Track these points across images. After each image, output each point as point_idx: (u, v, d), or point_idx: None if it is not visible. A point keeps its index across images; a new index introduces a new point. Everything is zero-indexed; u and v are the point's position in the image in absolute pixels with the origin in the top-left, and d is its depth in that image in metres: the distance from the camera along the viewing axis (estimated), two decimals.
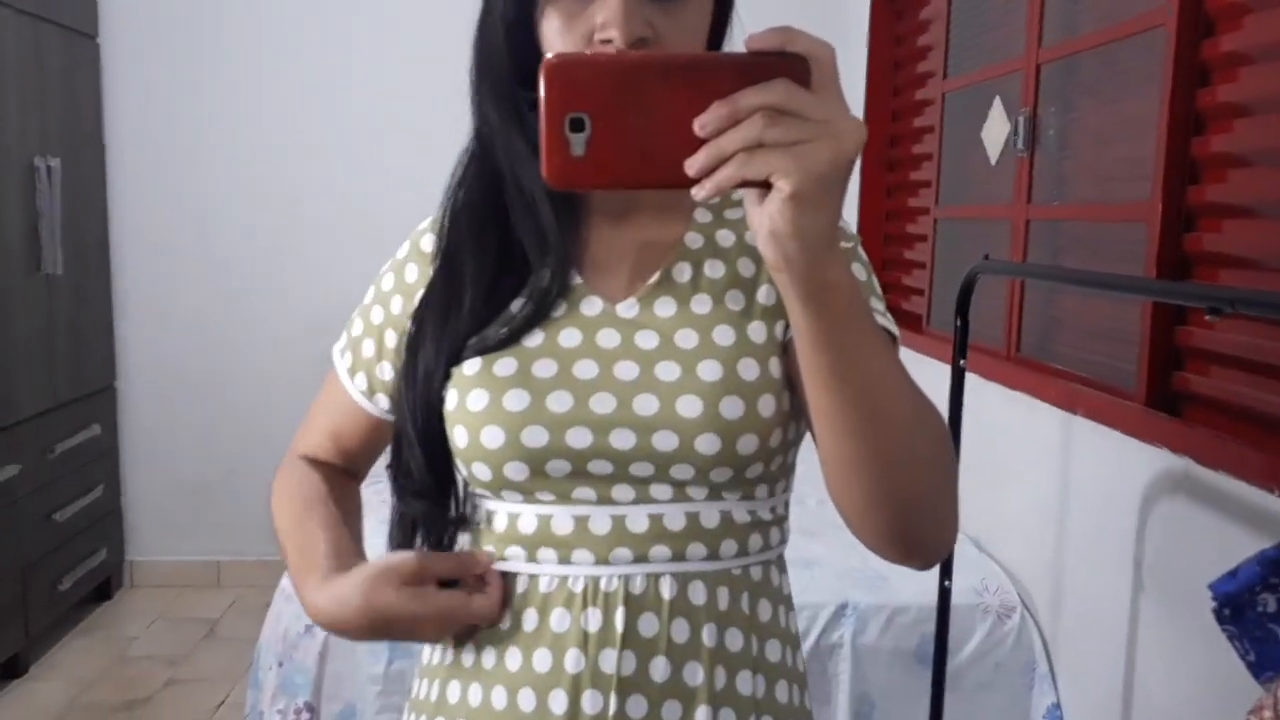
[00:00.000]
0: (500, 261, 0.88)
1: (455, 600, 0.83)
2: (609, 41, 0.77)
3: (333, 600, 0.85)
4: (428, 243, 0.93)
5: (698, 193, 0.61)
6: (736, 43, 0.80)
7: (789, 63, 0.61)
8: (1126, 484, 1.86)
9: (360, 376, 0.96)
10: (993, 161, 2.60)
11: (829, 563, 2.25)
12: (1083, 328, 2.21)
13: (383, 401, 0.96)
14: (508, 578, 0.87)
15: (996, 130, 2.57)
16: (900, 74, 3.34)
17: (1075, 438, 2.07)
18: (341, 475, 1.01)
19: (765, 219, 0.61)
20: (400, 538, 0.92)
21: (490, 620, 0.85)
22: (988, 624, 2.18)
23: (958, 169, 2.86)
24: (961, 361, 1.96)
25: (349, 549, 0.90)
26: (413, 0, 3.65)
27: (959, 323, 1.95)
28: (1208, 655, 1.59)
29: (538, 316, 0.86)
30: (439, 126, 3.19)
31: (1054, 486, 2.14)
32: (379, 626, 0.83)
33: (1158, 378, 1.89)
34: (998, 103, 2.57)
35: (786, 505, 0.92)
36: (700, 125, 0.60)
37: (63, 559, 3.29)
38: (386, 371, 0.95)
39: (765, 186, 0.60)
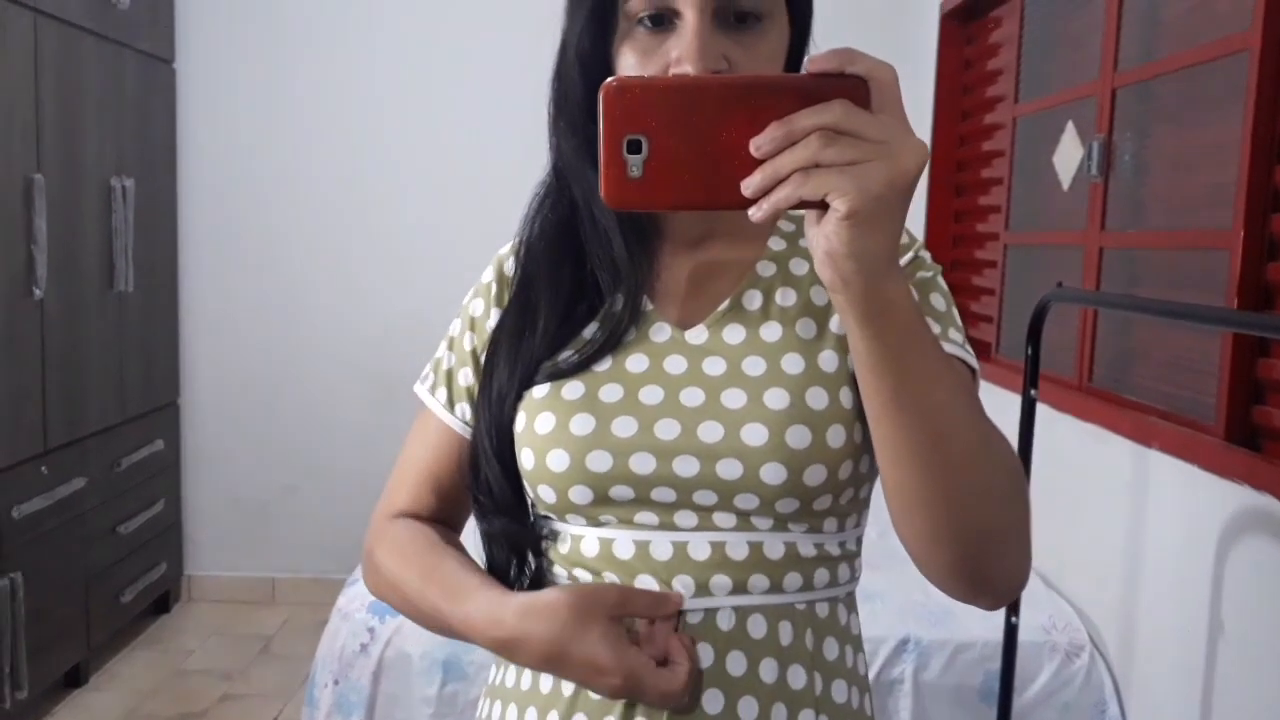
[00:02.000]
0: (574, 290, 0.89)
1: (646, 666, 0.77)
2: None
3: (523, 615, 0.80)
4: (510, 267, 0.94)
5: (754, 213, 0.60)
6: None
7: (848, 84, 0.60)
8: (1204, 521, 1.79)
9: (462, 406, 0.94)
10: (1065, 187, 2.55)
11: (891, 596, 2.19)
12: (1158, 359, 2.15)
13: None
14: None
15: (1069, 155, 2.52)
16: (969, 98, 3.30)
17: (1150, 472, 2.00)
18: (447, 530, 0.96)
19: (822, 239, 0.60)
20: (497, 560, 0.90)
21: (668, 704, 0.78)
22: (1055, 663, 2.10)
23: (1028, 194, 2.81)
24: (1033, 391, 1.91)
25: (486, 575, 0.87)
26: (487, 34, 3.69)
27: (1030, 352, 1.90)
28: None
29: (610, 343, 0.86)
30: (505, 158, 3.23)
31: (1126, 522, 2.07)
32: (560, 660, 0.79)
33: (1237, 411, 1.82)
34: (1070, 127, 2.51)
35: (859, 542, 0.89)
36: (757, 146, 0.60)
37: (125, 571, 3.35)
38: None
39: (822, 207, 0.60)
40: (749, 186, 0.60)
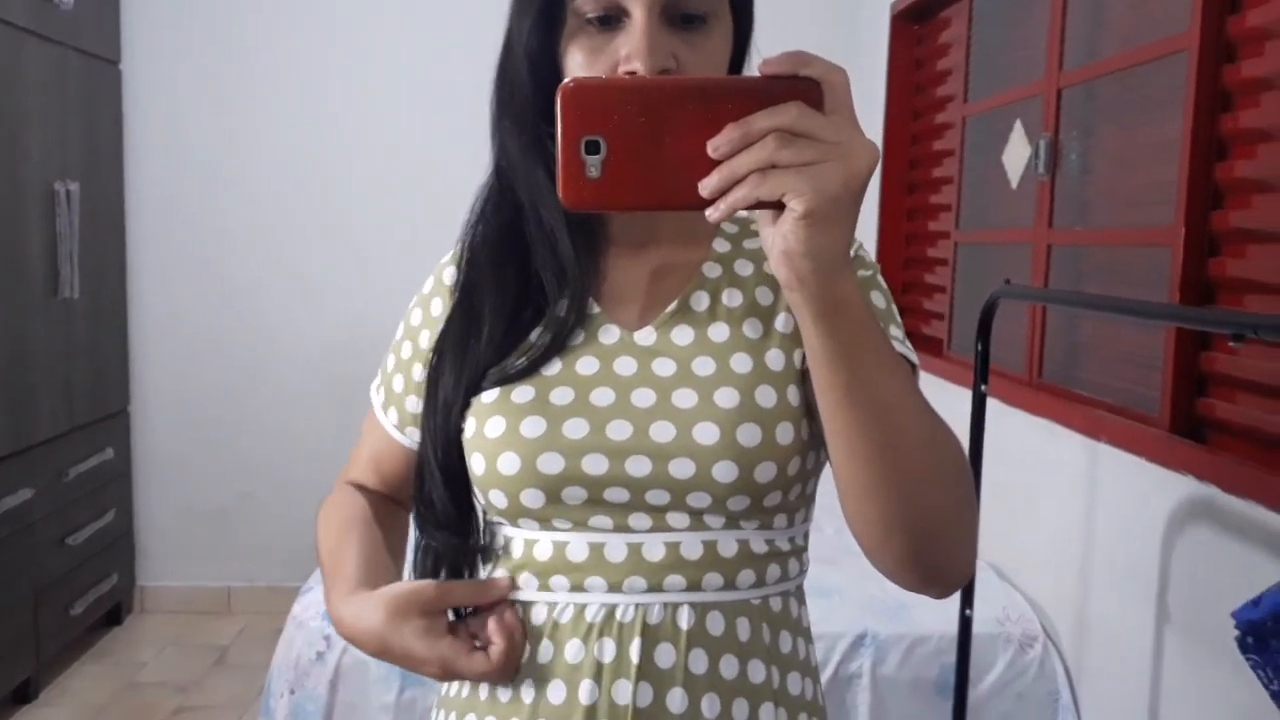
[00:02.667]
0: (519, 293, 0.89)
1: (455, 652, 0.81)
2: (633, 74, 0.77)
3: (353, 615, 0.84)
4: (449, 275, 0.94)
5: (712, 213, 0.62)
6: (754, 70, 0.79)
7: (802, 86, 0.62)
8: (1150, 511, 1.83)
9: (393, 411, 0.98)
10: (1014, 185, 2.59)
11: (847, 592, 2.21)
12: (1105, 353, 2.19)
13: (415, 435, 0.96)
14: (524, 607, 0.85)
15: (1017, 154, 2.56)
16: (920, 97, 3.34)
17: (1098, 465, 2.03)
18: (388, 501, 1.01)
19: (778, 238, 0.62)
20: (424, 570, 0.92)
21: (490, 679, 0.84)
22: (1009, 654, 2.14)
23: (978, 193, 2.85)
24: (983, 387, 1.94)
25: (382, 566, 0.89)
26: (436, 30, 3.67)
27: (980, 348, 1.93)
28: (1233, 685, 1.55)
29: (555, 346, 0.87)
30: (459, 155, 3.20)
31: (1077, 514, 2.11)
32: (385, 653, 0.83)
33: (1182, 404, 1.86)
34: (1019, 126, 2.56)
35: (806, 536, 0.91)
36: (714, 147, 0.61)
37: (75, 583, 3.28)
38: (415, 405, 0.95)
39: (778, 207, 0.61)
40: (706, 187, 0.61)
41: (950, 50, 3.09)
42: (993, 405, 2.03)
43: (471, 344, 0.88)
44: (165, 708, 3.07)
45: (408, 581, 0.86)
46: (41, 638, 3.07)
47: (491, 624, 0.82)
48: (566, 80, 0.63)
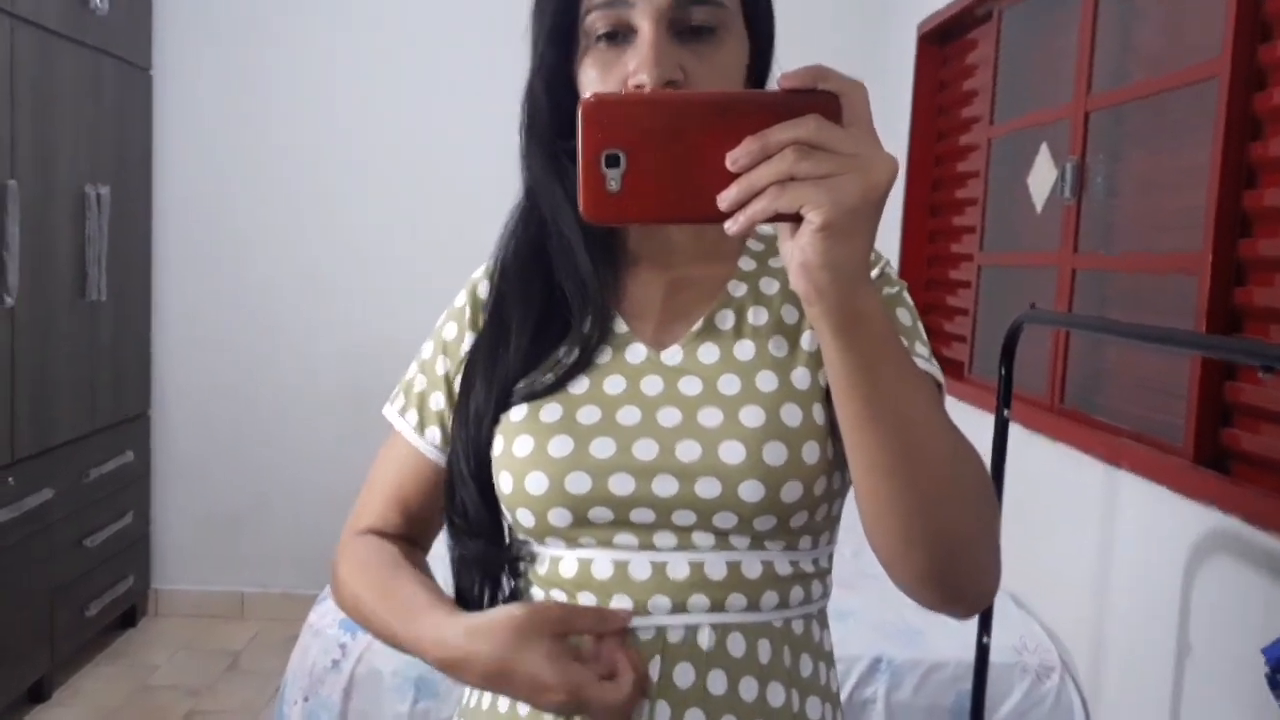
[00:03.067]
0: (544, 307, 0.90)
1: (590, 681, 0.76)
2: (641, 86, 0.78)
3: (469, 634, 0.79)
4: (483, 289, 0.95)
5: (731, 226, 0.62)
6: (775, 86, 0.79)
7: (820, 99, 0.62)
8: (1172, 542, 1.80)
9: (432, 430, 0.94)
10: (1038, 209, 2.57)
11: (863, 615, 2.19)
12: (1129, 380, 2.17)
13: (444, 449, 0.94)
14: None
15: (1043, 177, 2.55)
16: (945, 119, 3.33)
17: (1119, 493, 2.01)
18: (413, 549, 0.96)
19: (797, 251, 0.62)
20: (468, 579, 0.90)
21: (614, 717, 0.78)
22: (1026, 683, 2.11)
23: (1002, 216, 2.83)
24: (1005, 412, 1.92)
25: (443, 593, 0.87)
26: (466, 47, 3.68)
27: (1003, 372, 1.92)
28: None
29: (582, 363, 0.87)
30: (481, 166, 3.23)
31: (1097, 543, 2.08)
32: (505, 676, 0.78)
33: (1206, 434, 1.84)
34: (1044, 149, 2.54)
35: (830, 559, 0.90)
36: (732, 160, 0.61)
37: (91, 585, 3.30)
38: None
39: (797, 220, 0.61)
40: (725, 200, 0.61)
41: (976, 71, 3.08)
42: (1014, 430, 2.02)
43: (501, 354, 0.88)
44: (177, 711, 3.07)
45: (525, 603, 0.82)
46: (56, 638, 3.08)
47: (620, 657, 0.79)
48: (587, 95, 0.64)
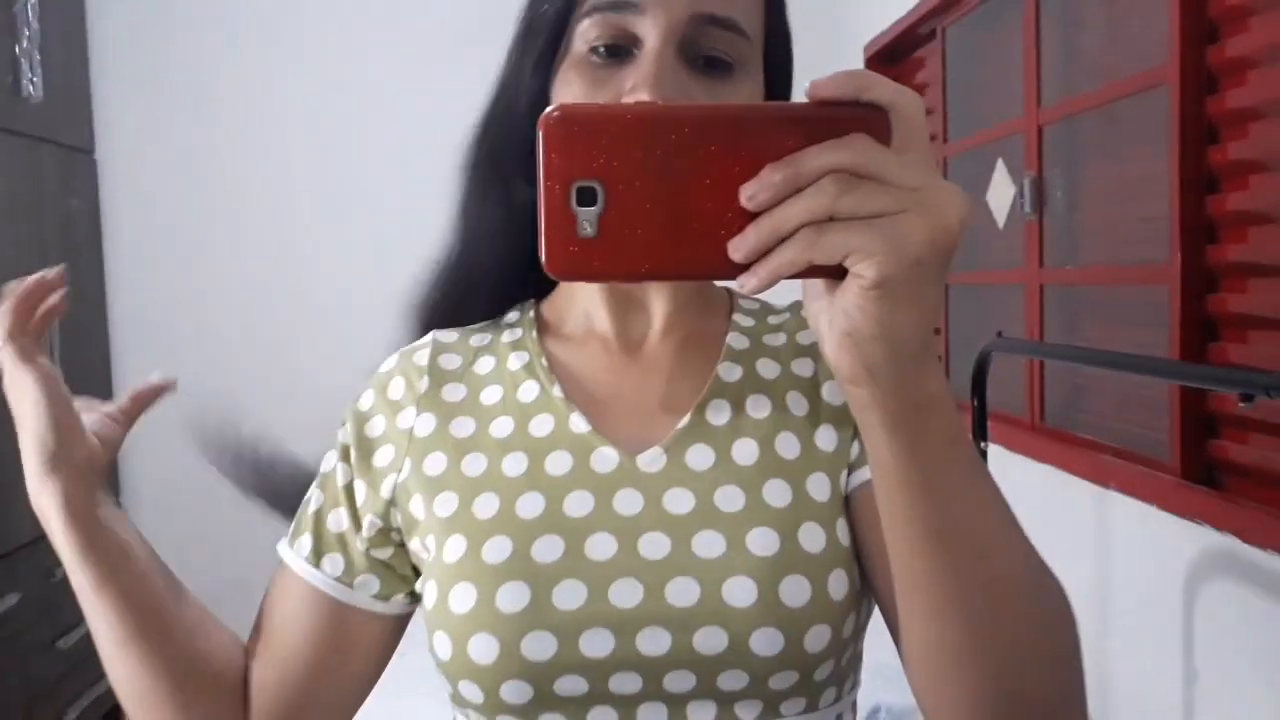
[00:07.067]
0: None
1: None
2: None
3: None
4: (377, 426, 0.79)
5: (746, 283, 0.46)
6: None
7: (864, 115, 0.46)
8: (1169, 564, 1.74)
9: (333, 558, 0.76)
10: (1000, 225, 2.53)
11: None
12: (1109, 393, 2.11)
13: (400, 601, 0.75)
14: None
15: (1001, 194, 2.50)
16: None
17: (1110, 514, 1.95)
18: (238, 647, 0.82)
19: (840, 316, 0.45)
20: None
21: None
22: None
23: (966, 234, 2.77)
24: (983, 444, 1.86)
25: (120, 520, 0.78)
26: (414, 98, 3.64)
27: (975, 403, 1.86)
28: None
29: (521, 437, 0.71)
30: (435, 234, 3.18)
31: (1090, 566, 2.02)
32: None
33: (1191, 448, 1.78)
34: (1000, 165, 2.50)
35: (854, 709, 0.74)
36: (750, 195, 0.45)
37: (68, 687, 3.19)
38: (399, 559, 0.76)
39: (839, 274, 0.46)
40: (739, 248, 0.45)
41: (926, 91, 3.04)
42: (994, 451, 1.95)
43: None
44: None
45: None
46: None
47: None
48: (549, 109, 0.46)
